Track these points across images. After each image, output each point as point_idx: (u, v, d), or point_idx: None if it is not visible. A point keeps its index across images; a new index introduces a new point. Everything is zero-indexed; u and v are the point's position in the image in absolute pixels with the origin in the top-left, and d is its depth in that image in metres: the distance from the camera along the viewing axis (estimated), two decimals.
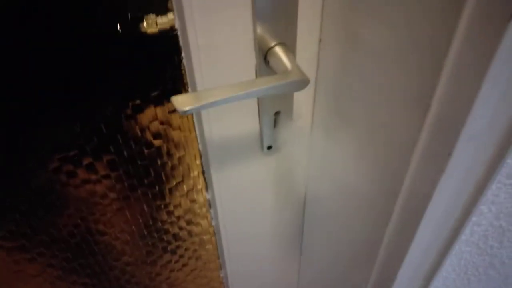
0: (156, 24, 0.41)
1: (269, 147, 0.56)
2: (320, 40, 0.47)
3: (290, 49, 0.44)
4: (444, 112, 0.32)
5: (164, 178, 0.54)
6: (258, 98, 0.50)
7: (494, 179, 0.45)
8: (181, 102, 0.37)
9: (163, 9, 0.40)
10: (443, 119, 0.32)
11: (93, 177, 0.50)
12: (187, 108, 0.36)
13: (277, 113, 0.52)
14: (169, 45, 0.42)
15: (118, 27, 0.39)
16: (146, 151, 0.50)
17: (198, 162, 0.55)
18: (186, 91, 0.46)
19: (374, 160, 0.46)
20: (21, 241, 0.52)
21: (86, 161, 0.48)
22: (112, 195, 0.53)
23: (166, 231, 0.62)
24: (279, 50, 0.43)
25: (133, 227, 0.58)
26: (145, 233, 0.60)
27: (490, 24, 0.27)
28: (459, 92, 0.30)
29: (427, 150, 0.36)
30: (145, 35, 0.41)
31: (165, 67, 0.44)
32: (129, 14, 0.39)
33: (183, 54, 0.43)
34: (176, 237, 0.64)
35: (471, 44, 0.29)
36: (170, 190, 0.56)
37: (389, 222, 0.46)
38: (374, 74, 0.41)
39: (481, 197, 0.47)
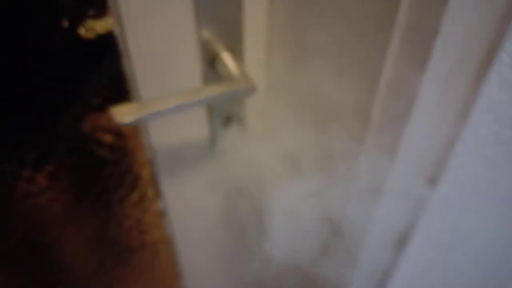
0: (95, 30, 0.39)
1: (221, 153, 0.55)
2: (268, 45, 0.46)
3: (238, 55, 0.43)
4: (383, 123, 0.33)
5: (111, 188, 0.52)
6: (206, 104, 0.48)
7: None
8: (120, 113, 0.35)
9: (101, 14, 0.38)
10: (382, 130, 0.33)
11: (36, 189, 0.47)
12: (127, 121, 0.34)
13: (228, 118, 0.51)
14: (109, 51, 0.40)
15: (54, 33, 0.37)
16: (90, 161, 0.47)
17: (147, 170, 0.53)
18: (130, 98, 0.44)
19: (323, 164, 0.46)
20: None
21: (26, 174, 0.45)
22: (57, 207, 0.50)
23: (117, 242, 0.59)
24: (226, 57, 0.41)
25: (81, 239, 0.56)
26: (95, 245, 0.58)
27: (419, 39, 0.27)
28: (396, 103, 0.31)
29: (367, 158, 0.36)
30: (83, 41, 0.39)
31: (106, 74, 0.42)
32: (65, 20, 0.37)
33: (124, 61, 0.41)
34: (128, 247, 0.62)
35: (404, 57, 0.29)
36: (119, 201, 0.54)
37: (340, 229, 0.46)
38: (320, 79, 0.41)
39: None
